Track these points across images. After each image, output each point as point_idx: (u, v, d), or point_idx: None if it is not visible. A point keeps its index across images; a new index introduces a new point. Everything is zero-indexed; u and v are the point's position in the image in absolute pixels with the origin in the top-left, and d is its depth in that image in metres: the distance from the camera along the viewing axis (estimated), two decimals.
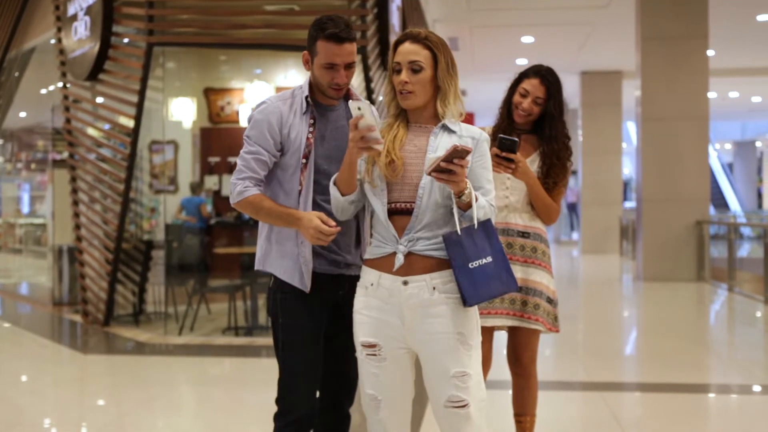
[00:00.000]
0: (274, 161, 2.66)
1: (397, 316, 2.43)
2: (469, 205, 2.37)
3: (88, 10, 7.82)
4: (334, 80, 2.63)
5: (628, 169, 28.04)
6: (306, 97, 2.67)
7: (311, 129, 2.65)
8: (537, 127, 3.35)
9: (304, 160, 2.64)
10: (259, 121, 2.67)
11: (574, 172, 19.33)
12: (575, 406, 5.15)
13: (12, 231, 12.68)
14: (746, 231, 20.40)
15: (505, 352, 3.47)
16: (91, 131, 8.33)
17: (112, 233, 7.77)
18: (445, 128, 2.48)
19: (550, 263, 3.36)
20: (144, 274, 8.30)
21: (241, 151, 2.67)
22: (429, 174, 2.31)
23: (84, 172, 8.26)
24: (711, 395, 5.51)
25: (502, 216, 3.28)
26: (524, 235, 3.28)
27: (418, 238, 2.40)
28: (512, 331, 3.38)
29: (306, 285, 2.64)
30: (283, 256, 2.69)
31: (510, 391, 3.53)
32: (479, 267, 2.35)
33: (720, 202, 29.49)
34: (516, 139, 3.08)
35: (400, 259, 2.41)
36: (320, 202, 2.65)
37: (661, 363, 6.34)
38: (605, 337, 7.81)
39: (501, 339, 3.57)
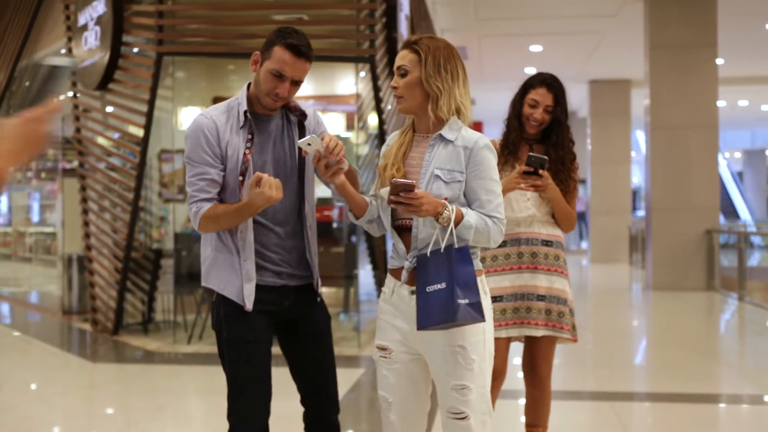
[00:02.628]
0: (223, 175, 2.56)
1: (406, 322, 2.46)
2: (454, 224, 2.33)
3: (99, 20, 7.86)
4: (275, 89, 2.52)
5: (638, 178, 27.97)
6: (245, 112, 2.56)
7: (248, 144, 2.54)
8: (544, 135, 3.37)
9: (241, 178, 2.53)
10: (194, 139, 2.54)
11: (583, 181, 19.29)
12: (584, 415, 5.13)
13: (22, 240, 12.72)
14: (756, 240, 20.32)
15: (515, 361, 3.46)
16: (100, 140, 8.37)
17: (122, 242, 7.79)
18: (442, 138, 2.43)
19: (567, 269, 3.38)
20: (153, 283, 8.31)
21: (186, 176, 2.55)
22: (388, 204, 2.31)
23: (94, 181, 8.29)
24: (721, 405, 5.48)
25: (526, 225, 3.30)
26: (548, 243, 3.31)
27: (420, 252, 2.41)
28: (529, 342, 3.38)
29: (248, 301, 2.55)
30: (225, 270, 2.59)
31: (519, 401, 3.51)
32: (434, 292, 2.31)
33: (730, 211, 29.37)
34: (546, 157, 3.12)
35: (404, 276, 2.44)
36: (260, 220, 2.57)
37: (671, 373, 6.31)
38: (614, 347, 7.78)
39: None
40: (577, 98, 19.43)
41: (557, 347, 3.43)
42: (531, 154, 3.15)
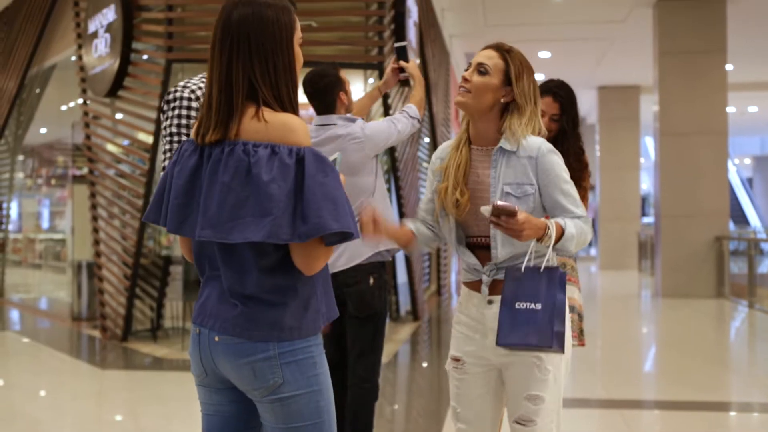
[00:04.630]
0: None
1: (482, 333, 2.43)
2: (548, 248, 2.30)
3: (109, 28, 7.90)
4: None
5: (647, 184, 27.90)
6: None
7: None
8: (554, 143, 3.36)
9: None
10: None
11: (592, 188, 19.24)
12: (593, 423, 5.11)
13: (32, 246, 12.77)
14: (766, 247, 20.19)
15: None
16: (110, 147, 8.40)
17: (131, 249, 7.81)
18: (503, 151, 2.37)
19: (578, 277, 3.36)
20: (162, 290, 8.33)
21: None
22: (492, 225, 2.23)
23: (103, 188, 8.32)
24: (732, 413, 5.45)
25: None
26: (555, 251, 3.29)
27: (500, 268, 2.38)
28: None
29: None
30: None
31: None
32: (524, 310, 2.28)
33: (740, 218, 29.24)
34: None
35: (485, 291, 2.40)
36: None
37: (681, 380, 6.28)
38: (624, 354, 7.75)
39: None
40: (586, 104, 19.41)
41: None
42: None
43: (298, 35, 1.98)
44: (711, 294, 11.66)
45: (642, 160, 19.93)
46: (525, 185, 2.35)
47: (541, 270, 2.29)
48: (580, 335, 3.32)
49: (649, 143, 23.57)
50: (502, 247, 2.35)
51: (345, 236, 1.83)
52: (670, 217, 11.89)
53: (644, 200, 26.38)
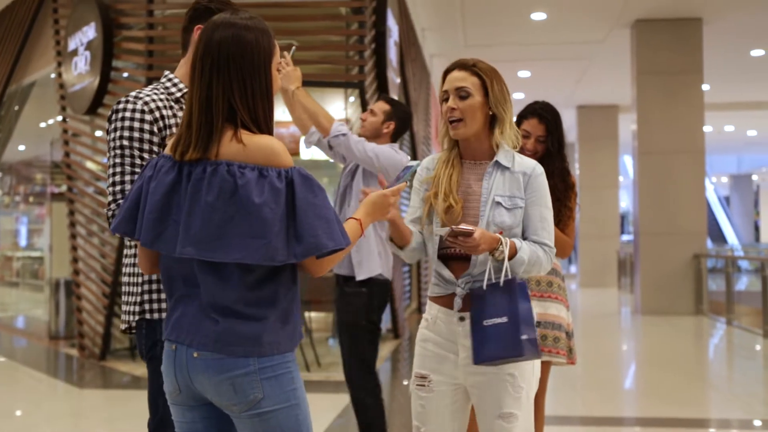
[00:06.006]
0: None
1: (452, 351, 2.42)
2: (502, 263, 2.33)
3: (89, 45, 7.89)
4: None
5: (625, 202, 28.12)
6: None
7: None
8: (540, 163, 3.39)
9: None
10: None
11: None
12: None
13: (9, 264, 12.65)
14: (744, 264, 20.39)
15: None
16: (89, 165, 8.36)
17: (110, 267, 7.76)
18: (498, 165, 2.43)
19: (566, 296, 3.38)
20: None
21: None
22: (447, 242, 2.33)
23: (82, 206, 8.27)
24: (711, 430, 5.47)
25: None
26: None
27: (475, 280, 2.39)
28: None
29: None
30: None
31: None
32: (492, 326, 2.30)
33: (717, 236, 29.53)
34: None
35: (458, 303, 2.40)
36: None
37: (660, 397, 6.31)
38: (604, 371, 7.77)
39: None
40: (566, 123, 19.40)
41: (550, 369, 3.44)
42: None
43: (277, 59, 2.02)
44: (690, 311, 11.73)
45: (621, 178, 20.08)
46: (516, 198, 2.40)
47: (501, 284, 2.33)
48: (569, 353, 3.34)
49: (627, 162, 23.79)
50: (484, 257, 2.36)
51: (336, 250, 1.91)
52: (648, 235, 11.97)
53: (623, 218, 26.56)
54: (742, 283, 17.63)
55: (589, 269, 18.63)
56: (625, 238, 22.55)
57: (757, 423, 5.55)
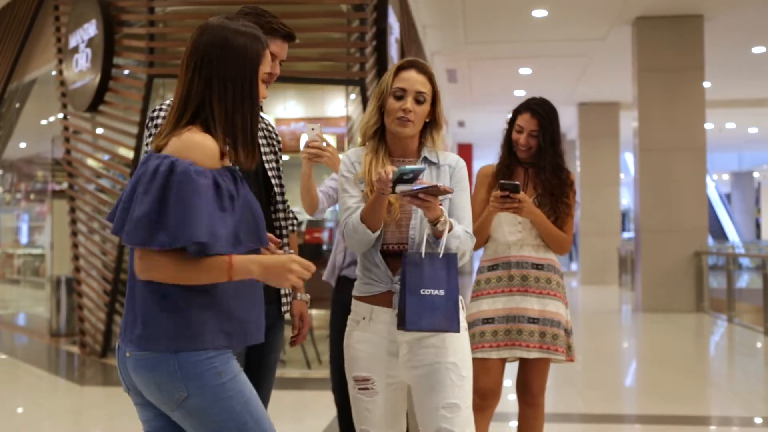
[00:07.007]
0: None
1: (391, 351, 2.42)
2: (442, 234, 2.35)
3: (89, 43, 7.88)
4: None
5: (626, 199, 28.10)
6: None
7: None
8: (532, 158, 3.40)
9: None
10: None
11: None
12: None
13: (10, 261, 12.65)
14: (745, 261, 20.40)
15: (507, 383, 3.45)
16: (90, 162, 8.36)
17: (111, 264, 7.76)
18: (427, 161, 2.52)
19: (564, 293, 3.38)
20: None
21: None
22: (402, 195, 2.27)
23: (83, 203, 8.27)
24: (712, 428, 5.47)
25: (516, 248, 3.31)
26: (538, 267, 3.31)
27: (416, 252, 2.40)
28: (523, 363, 3.38)
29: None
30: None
31: (511, 423, 3.51)
32: (430, 296, 2.31)
33: (718, 233, 29.51)
34: (517, 183, 3.18)
35: (396, 301, 2.40)
36: None
37: (661, 395, 6.31)
38: (604, 369, 7.77)
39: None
40: (566, 121, 19.55)
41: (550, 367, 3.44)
42: (502, 181, 3.23)
43: (266, 68, 2.01)
44: (691, 308, 11.73)
45: (622, 175, 20.07)
46: None
47: (440, 255, 2.35)
48: (568, 351, 3.34)
49: (628, 159, 23.78)
50: (419, 247, 2.37)
51: (202, 249, 1.84)
52: (649, 232, 11.97)
53: (624, 215, 26.55)
54: (743, 281, 17.63)
55: (589, 266, 18.63)
56: (626, 235, 22.53)
57: (758, 420, 5.54)
